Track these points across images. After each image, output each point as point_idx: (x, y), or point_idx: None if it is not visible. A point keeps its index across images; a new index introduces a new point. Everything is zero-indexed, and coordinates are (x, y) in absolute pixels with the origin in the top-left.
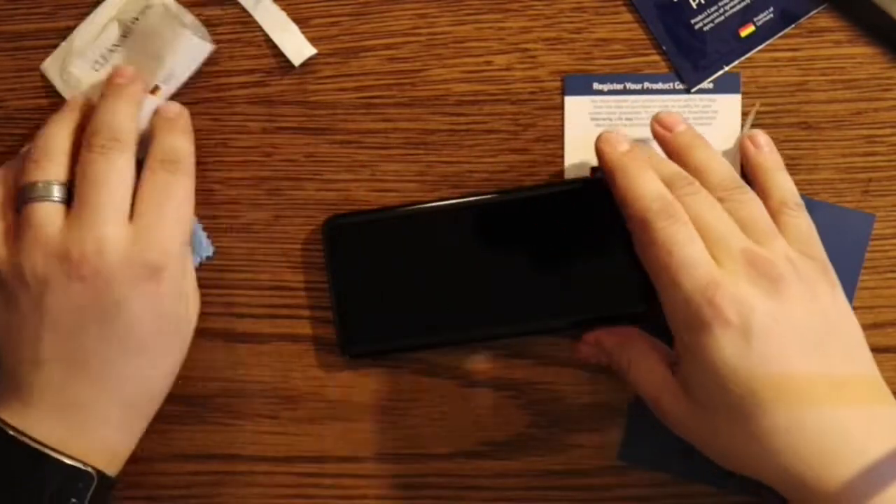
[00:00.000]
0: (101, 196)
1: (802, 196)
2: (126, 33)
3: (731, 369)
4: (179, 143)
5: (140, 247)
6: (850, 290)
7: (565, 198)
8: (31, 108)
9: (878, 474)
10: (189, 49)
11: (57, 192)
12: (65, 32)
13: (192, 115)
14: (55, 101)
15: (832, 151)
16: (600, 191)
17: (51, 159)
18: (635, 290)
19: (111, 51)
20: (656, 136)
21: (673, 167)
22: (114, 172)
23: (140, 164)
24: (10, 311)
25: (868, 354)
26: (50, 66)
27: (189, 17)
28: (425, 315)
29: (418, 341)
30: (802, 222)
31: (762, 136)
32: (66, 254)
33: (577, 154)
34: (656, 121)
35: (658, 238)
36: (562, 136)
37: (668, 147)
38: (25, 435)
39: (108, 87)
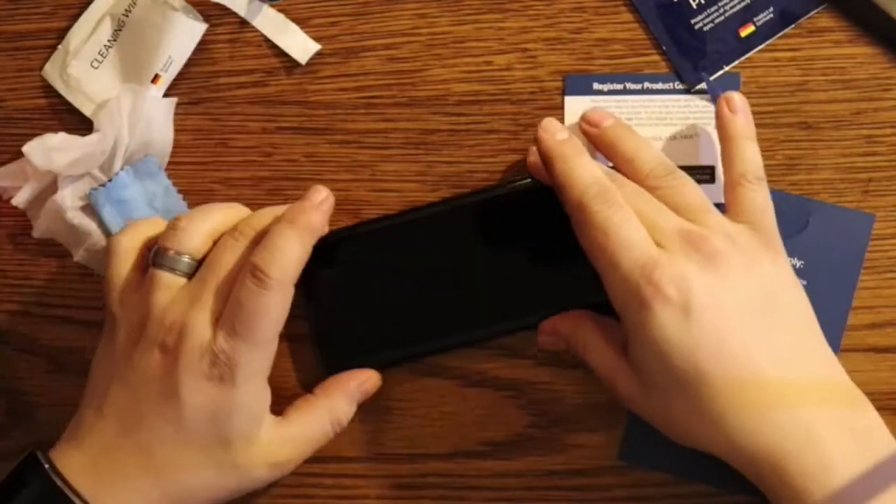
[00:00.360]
0: (217, 285)
1: (802, 197)
2: (120, 27)
3: (673, 346)
4: (287, 247)
5: (213, 352)
6: (849, 289)
7: (529, 196)
8: (31, 108)
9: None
10: (184, 31)
11: (184, 266)
12: (64, 33)
13: (193, 115)
14: (55, 101)
15: (832, 151)
16: None
17: (191, 232)
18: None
19: (107, 46)
20: (585, 134)
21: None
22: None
23: (133, 161)
24: (106, 349)
25: (815, 322)
26: (50, 69)
27: (178, 1)
28: (403, 328)
29: (399, 354)
30: (758, 196)
31: (739, 100)
32: (161, 318)
33: None
34: (583, 119)
35: (594, 220)
36: None
37: (598, 142)
38: (68, 486)
39: (293, 211)
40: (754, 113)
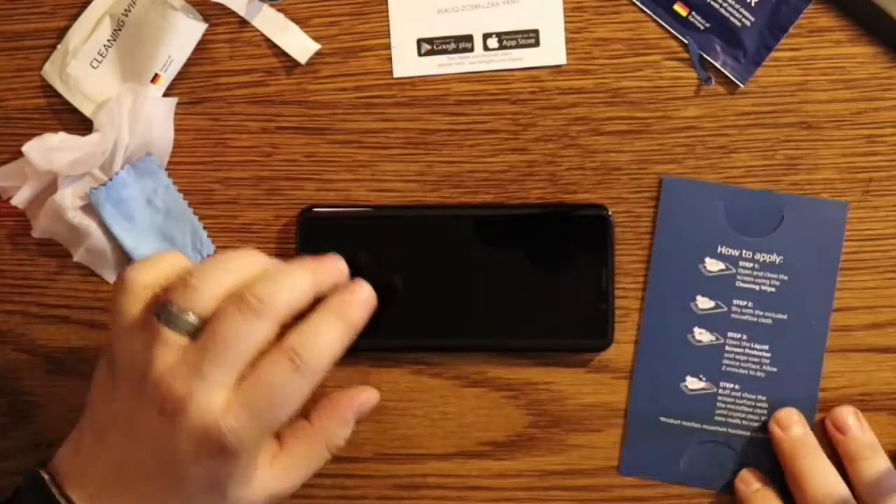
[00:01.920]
0: (219, 354)
1: (772, 192)
2: (119, 27)
3: None
4: (329, 335)
5: (219, 429)
6: (831, 279)
7: (545, 221)
8: (31, 108)
9: None
10: (183, 31)
11: (187, 325)
12: (64, 32)
13: (193, 115)
14: (54, 101)
15: (833, 151)
16: (579, 219)
17: (201, 291)
18: (599, 323)
19: (107, 46)
20: (831, 437)
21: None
22: (246, 336)
23: (133, 159)
24: (107, 378)
25: None
26: (49, 69)
27: (178, 1)
28: (384, 317)
29: (376, 343)
30: None
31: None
32: (158, 382)
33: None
34: (831, 422)
35: None
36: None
37: (843, 449)
38: (63, 496)
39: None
40: (755, 112)
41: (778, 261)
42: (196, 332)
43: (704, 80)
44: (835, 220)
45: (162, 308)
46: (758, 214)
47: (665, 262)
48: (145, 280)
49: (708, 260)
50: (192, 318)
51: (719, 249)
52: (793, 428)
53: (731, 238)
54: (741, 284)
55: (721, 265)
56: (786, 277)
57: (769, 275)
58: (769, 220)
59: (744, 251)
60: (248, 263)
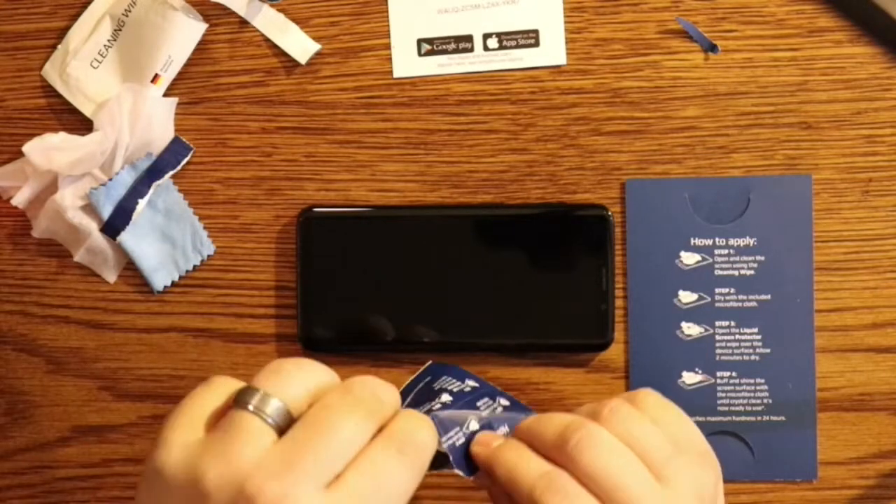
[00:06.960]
0: (317, 447)
1: (737, 177)
2: (119, 27)
3: None
4: (426, 433)
5: None
6: (808, 253)
7: (545, 221)
8: (31, 108)
9: None
10: (183, 31)
11: (273, 411)
12: (64, 33)
13: (193, 115)
14: (55, 101)
15: (832, 151)
16: (579, 219)
17: (289, 382)
18: (599, 323)
19: (107, 46)
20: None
21: (560, 422)
22: (353, 431)
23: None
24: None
25: None
26: (49, 69)
27: (178, 1)
28: (385, 317)
29: (374, 342)
30: None
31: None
32: (244, 483)
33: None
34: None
35: None
36: None
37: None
38: None
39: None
40: (755, 112)
41: (752, 243)
42: (280, 427)
43: (710, 48)
44: (801, 193)
45: (242, 395)
46: (724, 201)
47: (642, 263)
48: (230, 382)
49: (683, 254)
50: (278, 402)
51: (693, 241)
52: (492, 442)
53: (703, 228)
54: (720, 272)
55: (697, 257)
56: (762, 258)
57: (745, 258)
58: (736, 204)
59: (717, 239)
60: (337, 381)
